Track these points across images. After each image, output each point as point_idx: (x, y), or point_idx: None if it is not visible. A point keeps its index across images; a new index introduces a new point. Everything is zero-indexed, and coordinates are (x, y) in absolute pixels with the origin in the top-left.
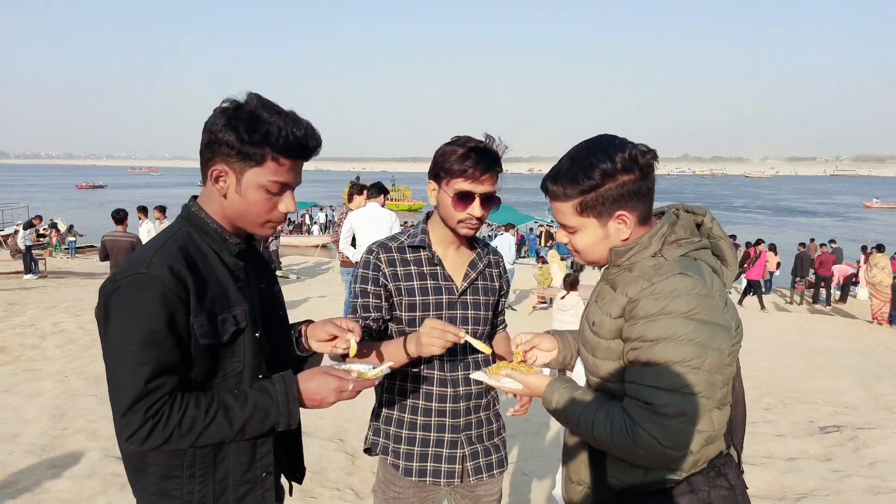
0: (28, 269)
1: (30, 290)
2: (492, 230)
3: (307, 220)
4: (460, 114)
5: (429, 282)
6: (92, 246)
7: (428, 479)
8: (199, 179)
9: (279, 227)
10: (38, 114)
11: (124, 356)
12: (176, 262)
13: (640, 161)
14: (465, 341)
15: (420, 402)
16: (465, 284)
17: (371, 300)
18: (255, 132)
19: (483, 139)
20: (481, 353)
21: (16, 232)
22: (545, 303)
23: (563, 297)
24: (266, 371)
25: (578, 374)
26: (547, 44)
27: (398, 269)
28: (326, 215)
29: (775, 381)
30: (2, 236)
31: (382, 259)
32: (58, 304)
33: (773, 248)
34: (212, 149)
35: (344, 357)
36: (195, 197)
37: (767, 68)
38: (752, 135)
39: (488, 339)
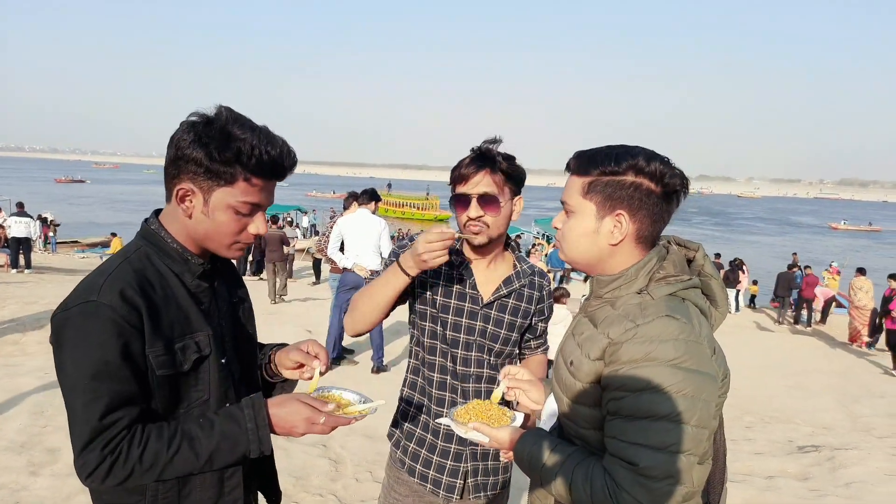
0: (15, 264)
1: (10, 284)
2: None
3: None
4: (454, 122)
5: (454, 286)
6: (75, 241)
7: (428, 485)
8: None
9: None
10: (22, 107)
11: (77, 390)
12: (128, 287)
13: (665, 179)
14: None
15: (432, 405)
16: (491, 298)
17: None
18: (226, 150)
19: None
20: (490, 368)
21: (1, 227)
22: None
23: None
24: (234, 398)
25: (549, 410)
26: (526, 54)
27: None
28: (309, 220)
29: (756, 399)
30: None
31: None
32: (38, 300)
33: (739, 267)
34: (178, 166)
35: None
36: (158, 212)
37: (754, 89)
38: (737, 155)
39: (518, 360)
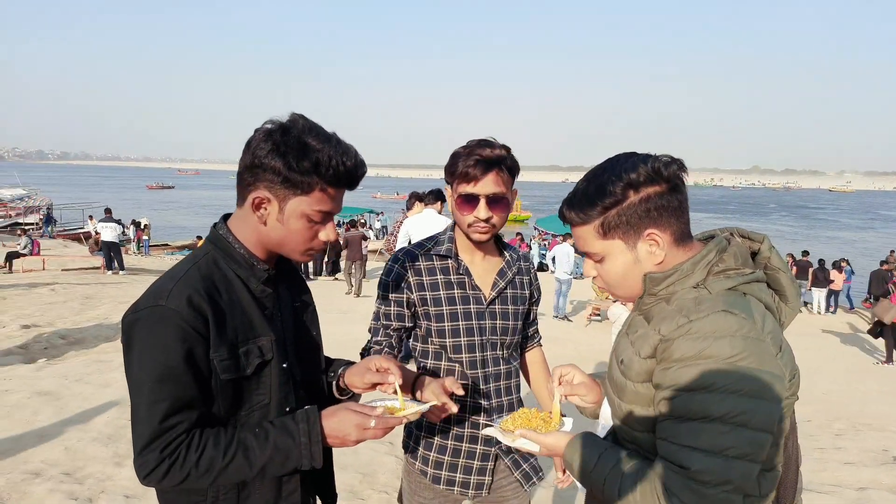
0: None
1: (106, 285)
2: (543, 239)
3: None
4: (493, 122)
5: (456, 291)
6: (166, 244)
7: (456, 489)
8: None
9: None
10: (119, 119)
11: (141, 392)
12: (196, 293)
13: (664, 172)
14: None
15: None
16: (493, 294)
17: (392, 308)
18: (304, 160)
19: (492, 140)
20: (505, 364)
21: (97, 232)
22: (598, 314)
23: (608, 307)
24: (294, 403)
25: (605, 415)
26: (613, 49)
27: (424, 278)
28: (381, 221)
29: (846, 405)
30: (82, 233)
31: (408, 267)
32: (131, 300)
33: (836, 265)
34: (254, 174)
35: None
36: (227, 217)
37: (844, 76)
38: (827, 147)
39: (518, 349)
